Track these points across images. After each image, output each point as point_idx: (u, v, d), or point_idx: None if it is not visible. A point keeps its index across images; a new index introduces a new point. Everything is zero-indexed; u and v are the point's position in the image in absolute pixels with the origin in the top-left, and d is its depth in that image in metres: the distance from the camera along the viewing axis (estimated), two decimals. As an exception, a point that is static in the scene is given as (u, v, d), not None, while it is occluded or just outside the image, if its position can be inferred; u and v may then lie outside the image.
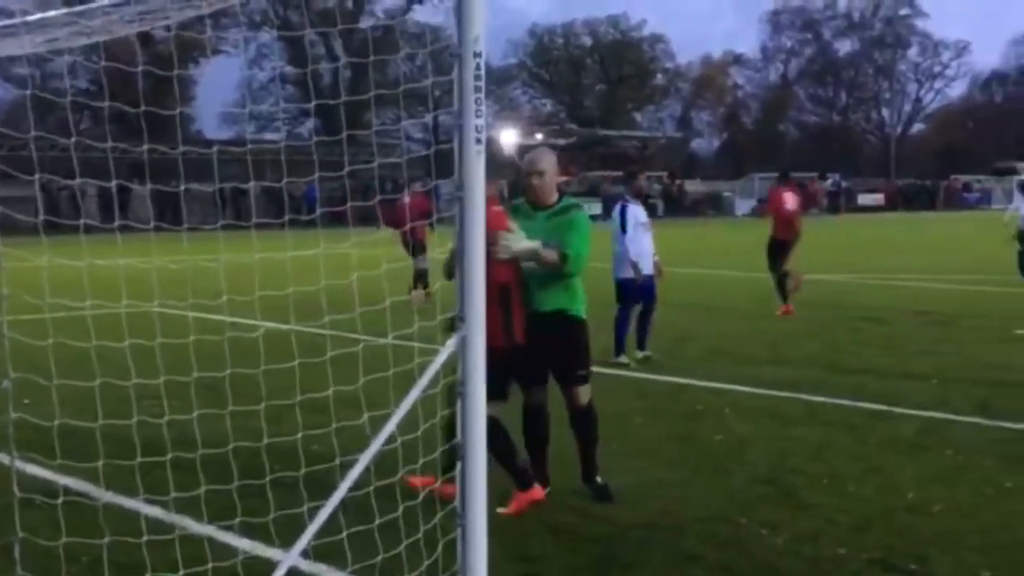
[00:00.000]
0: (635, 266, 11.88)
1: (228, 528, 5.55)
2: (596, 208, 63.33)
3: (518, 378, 6.65)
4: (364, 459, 4.07)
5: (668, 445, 8.27)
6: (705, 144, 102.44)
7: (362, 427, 4.82)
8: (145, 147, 4.82)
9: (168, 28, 5.52)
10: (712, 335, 13.91)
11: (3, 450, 4.96)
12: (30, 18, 4.73)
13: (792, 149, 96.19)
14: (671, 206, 65.68)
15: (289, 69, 67.72)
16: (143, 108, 4.61)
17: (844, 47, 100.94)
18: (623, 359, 11.92)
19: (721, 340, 13.73)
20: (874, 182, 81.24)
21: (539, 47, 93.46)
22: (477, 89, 3.81)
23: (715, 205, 68.64)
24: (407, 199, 16.49)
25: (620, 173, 69.30)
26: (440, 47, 4.71)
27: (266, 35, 71.16)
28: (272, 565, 4.44)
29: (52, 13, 4.55)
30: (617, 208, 12.14)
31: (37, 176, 4.74)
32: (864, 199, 75.44)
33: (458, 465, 3.98)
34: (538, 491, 6.63)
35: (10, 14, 4.70)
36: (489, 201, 6.87)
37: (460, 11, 3.78)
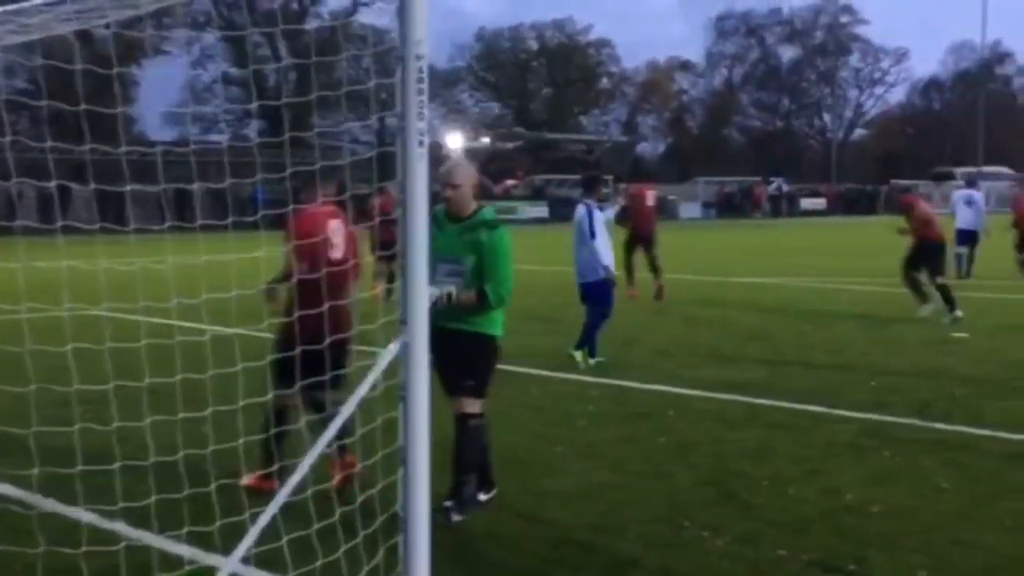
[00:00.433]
0: (607, 269, 11.97)
1: (174, 536, 5.49)
2: (543, 211, 63.61)
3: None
4: (304, 464, 4.04)
5: (612, 448, 8.30)
6: (650, 148, 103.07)
7: (300, 432, 4.79)
8: (87, 147, 4.74)
9: (107, 26, 5.45)
10: (656, 338, 13.99)
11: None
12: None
13: (736, 154, 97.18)
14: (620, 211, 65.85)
15: (234, 70, 67.16)
16: (83, 107, 4.53)
17: (787, 54, 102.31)
18: (595, 360, 12.04)
19: (665, 343, 13.82)
20: (816, 187, 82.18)
21: (486, 50, 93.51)
22: (420, 91, 3.80)
23: (660, 209, 69.12)
24: (376, 200, 16.39)
25: (568, 177, 69.36)
26: (385, 49, 4.69)
27: (210, 36, 70.49)
28: (213, 572, 4.39)
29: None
30: (583, 211, 12.09)
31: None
32: (806, 203, 76.30)
33: (400, 470, 3.96)
34: (267, 485, 6.22)
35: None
36: (323, 203, 7.23)
37: (403, 13, 3.77)
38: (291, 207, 6.69)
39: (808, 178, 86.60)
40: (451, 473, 6.43)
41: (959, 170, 79.68)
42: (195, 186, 6.42)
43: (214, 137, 66.98)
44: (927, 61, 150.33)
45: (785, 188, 77.14)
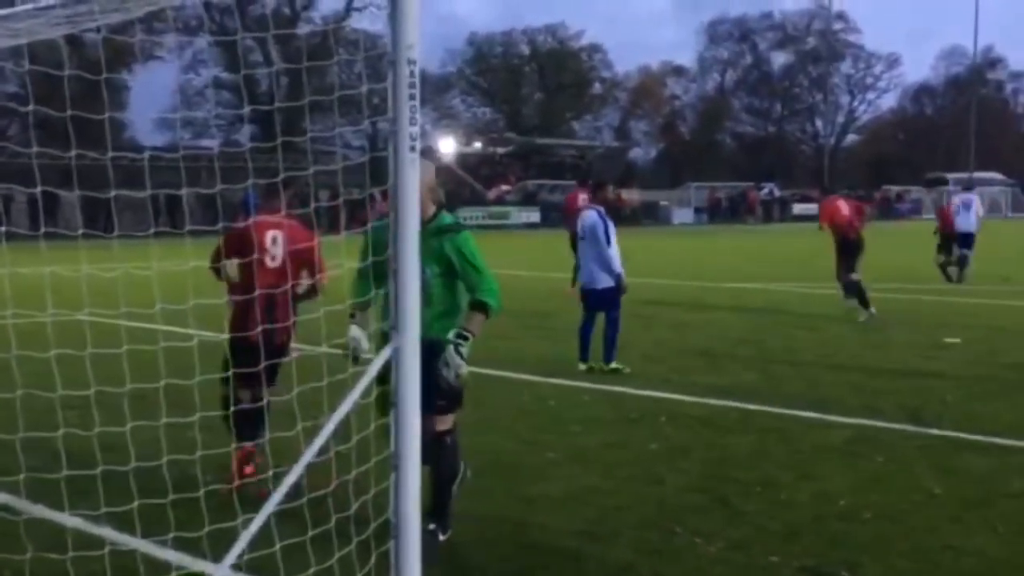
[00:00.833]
0: (620, 276, 12.02)
1: (161, 542, 5.46)
2: (535, 216, 63.64)
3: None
4: (296, 470, 4.02)
5: (603, 453, 8.29)
6: (642, 153, 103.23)
7: (295, 437, 4.77)
8: (73, 152, 4.72)
9: (97, 30, 5.43)
10: (647, 343, 13.98)
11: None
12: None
13: (728, 159, 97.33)
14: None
15: (225, 75, 67.08)
16: (69, 112, 4.51)
17: (779, 59, 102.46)
18: (587, 366, 12.09)
19: (656, 348, 13.82)
20: (808, 191, 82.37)
21: (478, 55, 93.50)
22: (412, 96, 3.79)
23: (652, 214, 69.13)
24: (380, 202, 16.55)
25: (560, 182, 69.34)
26: (377, 54, 4.68)
27: (202, 41, 70.40)
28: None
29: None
30: (595, 217, 12.09)
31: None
32: (798, 208, 76.47)
33: (392, 475, 3.95)
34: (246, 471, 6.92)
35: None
36: (272, 211, 7.54)
37: (395, 18, 3.75)
38: (221, 225, 6.68)
39: (800, 183, 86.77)
40: (431, 495, 6.07)
41: (951, 175, 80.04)
42: (183, 191, 6.41)
43: (206, 142, 66.86)
44: (919, 67, 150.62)
45: (777, 193, 77.33)
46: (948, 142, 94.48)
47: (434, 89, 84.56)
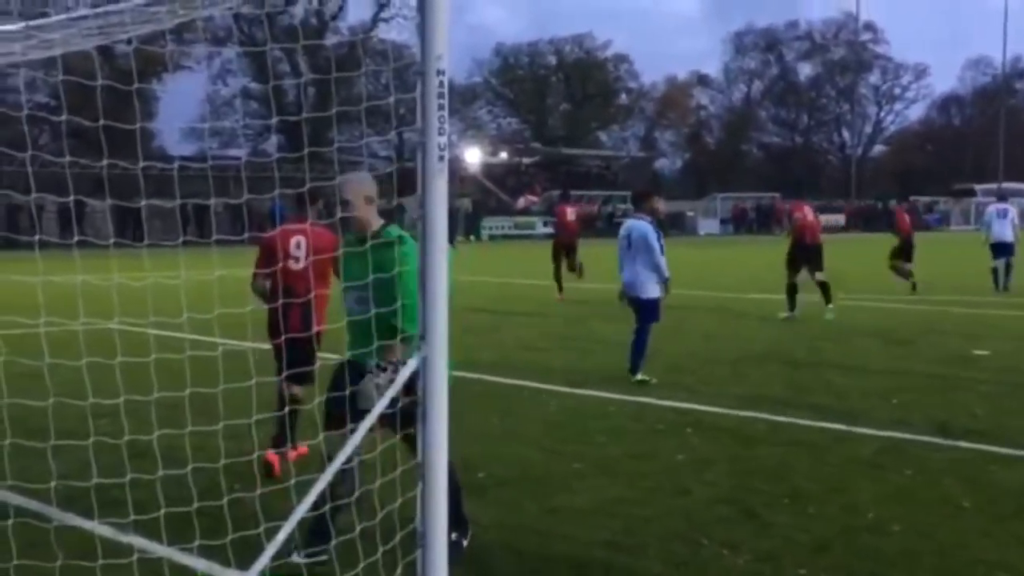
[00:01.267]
0: (667, 283, 12.10)
1: (187, 550, 5.49)
2: (560, 227, 63.63)
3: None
4: (322, 479, 4.03)
5: (630, 464, 8.26)
6: (668, 164, 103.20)
7: (319, 446, 4.78)
8: (104, 162, 4.76)
9: (129, 42, 5.47)
10: (673, 353, 13.93)
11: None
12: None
13: (754, 169, 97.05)
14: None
15: (253, 85, 67.55)
16: (102, 122, 4.55)
17: (806, 69, 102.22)
18: (640, 377, 12.04)
19: (683, 359, 13.77)
20: (833, 202, 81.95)
21: (504, 66, 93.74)
22: (440, 107, 3.79)
23: (678, 224, 69.04)
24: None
25: (585, 192, 69.23)
26: (404, 64, 4.69)
27: (230, 51, 70.90)
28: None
29: (10, 27, 4.49)
30: (647, 226, 12.06)
31: (-8, 191, 4.68)
32: (824, 219, 76.09)
33: (419, 485, 3.95)
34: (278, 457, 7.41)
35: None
36: (301, 220, 7.98)
37: (424, 29, 3.76)
38: (247, 235, 6.70)
39: (827, 194, 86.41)
40: None
41: (979, 186, 79.51)
42: (212, 201, 6.46)
43: (233, 152, 67.33)
44: (947, 77, 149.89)
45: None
46: (976, 153, 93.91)
47: (460, 99, 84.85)
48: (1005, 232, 24.56)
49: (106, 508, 4.89)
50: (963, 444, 8.83)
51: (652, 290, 12.10)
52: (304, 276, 7.52)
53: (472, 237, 57.90)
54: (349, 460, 5.44)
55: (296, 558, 5.36)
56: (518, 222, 62.32)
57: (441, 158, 3.82)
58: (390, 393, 4.86)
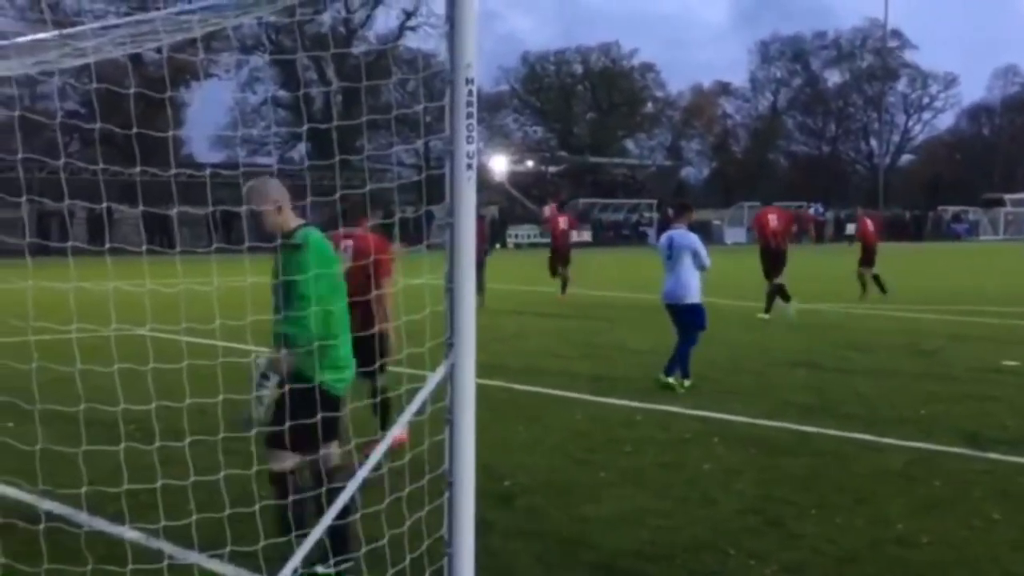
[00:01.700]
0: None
1: (217, 556, 5.52)
2: (587, 235, 63.56)
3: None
4: (351, 486, 4.04)
5: (656, 473, 8.24)
6: (695, 173, 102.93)
7: (349, 454, 4.79)
8: (137, 169, 4.80)
9: (159, 50, 5.51)
10: (700, 363, 13.86)
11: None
12: (21, 40, 4.72)
13: (781, 178, 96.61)
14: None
15: (281, 93, 67.87)
16: (135, 130, 4.59)
17: (833, 78, 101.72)
18: (688, 382, 12.19)
19: (709, 368, 13.70)
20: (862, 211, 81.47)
21: (531, 74, 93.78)
22: (469, 115, 3.81)
23: (704, 233, 68.83)
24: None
25: (611, 201, 69.11)
26: (432, 73, 4.70)
27: (258, 59, 71.29)
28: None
29: (44, 35, 4.54)
30: (693, 237, 12.44)
31: (24, 198, 4.72)
32: (851, 228, 75.68)
33: (445, 492, 3.95)
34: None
35: (1, 36, 4.69)
36: (359, 221, 8.40)
37: (453, 37, 3.78)
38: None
39: (854, 203, 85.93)
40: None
41: (1009, 196, 78.88)
42: (244, 208, 6.49)
43: (261, 159, 67.68)
44: (976, 86, 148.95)
45: (822, 211, 76.63)
46: (1005, 162, 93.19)
47: (487, 107, 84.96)
48: None
49: (136, 514, 4.92)
50: (993, 455, 8.75)
51: (694, 296, 12.28)
52: (353, 278, 7.42)
53: (498, 245, 58.02)
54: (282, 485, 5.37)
55: (320, 569, 5.34)
56: (544, 230, 62.39)
57: (469, 166, 3.83)
58: (265, 406, 4.81)
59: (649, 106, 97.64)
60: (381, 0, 76.79)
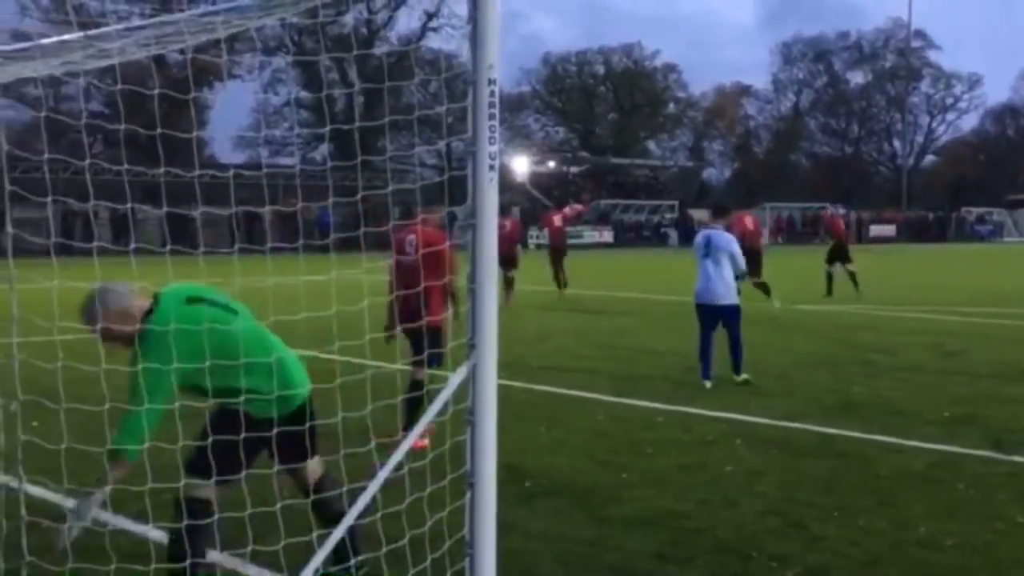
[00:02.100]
0: (739, 292, 12.77)
1: (239, 555, 5.54)
2: (608, 236, 63.51)
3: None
4: (372, 487, 4.04)
5: (678, 475, 8.22)
6: (716, 174, 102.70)
7: (369, 454, 4.80)
8: (161, 170, 4.82)
9: (183, 52, 5.54)
10: (723, 365, 13.84)
11: (11, 473, 4.93)
12: (45, 41, 4.75)
13: (803, 180, 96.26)
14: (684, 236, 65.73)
15: (303, 94, 68.09)
16: (159, 131, 4.61)
17: (856, 78, 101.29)
18: (745, 377, 12.60)
19: (731, 369, 13.67)
20: (885, 213, 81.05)
21: (552, 75, 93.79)
22: (491, 116, 3.80)
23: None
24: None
25: (633, 202, 69.01)
26: (454, 74, 4.71)
27: (281, 60, 71.57)
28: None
29: (68, 36, 4.56)
30: (730, 238, 12.74)
31: (50, 198, 4.75)
32: (875, 230, 75.33)
33: (467, 494, 3.95)
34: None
35: (27, 37, 4.72)
36: (427, 222, 9.16)
37: (475, 38, 3.77)
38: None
39: (877, 204, 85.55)
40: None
41: (1033, 198, 78.35)
42: (266, 209, 6.52)
43: (283, 160, 67.96)
44: (1000, 87, 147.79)
45: (841, 212, 76.27)
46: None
47: (508, 108, 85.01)
48: None
49: (159, 512, 4.93)
50: (1017, 458, 8.69)
51: (731, 297, 12.52)
52: (416, 270, 8.39)
53: (519, 246, 58.00)
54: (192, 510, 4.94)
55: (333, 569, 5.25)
56: (566, 231, 62.37)
57: (492, 167, 3.82)
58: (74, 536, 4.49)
59: (671, 107, 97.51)
60: (403, 1, 77.05)
